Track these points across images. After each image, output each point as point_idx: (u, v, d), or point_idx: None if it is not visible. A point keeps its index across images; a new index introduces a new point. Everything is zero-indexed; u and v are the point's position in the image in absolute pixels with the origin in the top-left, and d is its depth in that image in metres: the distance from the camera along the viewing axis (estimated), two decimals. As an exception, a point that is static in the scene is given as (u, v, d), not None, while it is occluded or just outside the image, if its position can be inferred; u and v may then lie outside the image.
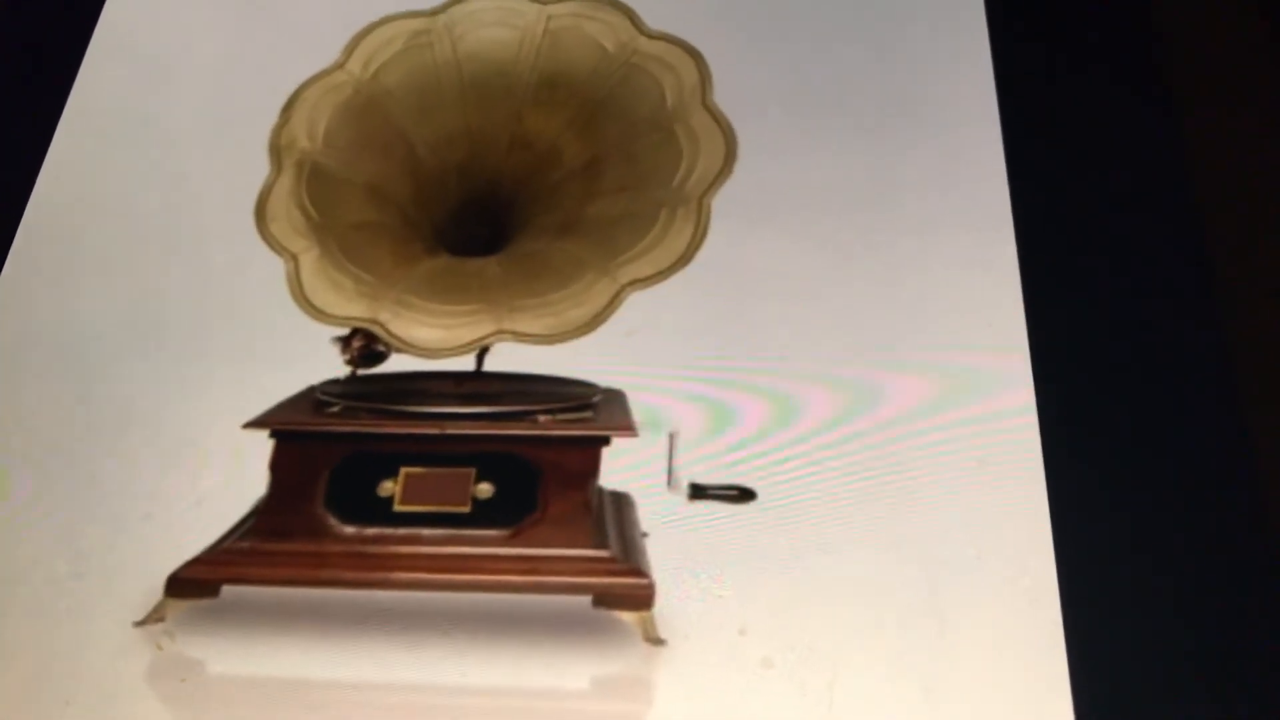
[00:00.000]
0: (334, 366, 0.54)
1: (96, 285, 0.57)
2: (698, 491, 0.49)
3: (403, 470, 0.50)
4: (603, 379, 0.53)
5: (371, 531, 0.49)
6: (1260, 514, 0.48)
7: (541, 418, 0.51)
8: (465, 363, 0.54)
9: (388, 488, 0.50)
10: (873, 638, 0.46)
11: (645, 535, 0.49)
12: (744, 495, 0.49)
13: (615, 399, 0.52)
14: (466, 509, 0.49)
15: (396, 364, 0.54)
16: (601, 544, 0.48)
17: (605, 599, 0.47)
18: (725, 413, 0.51)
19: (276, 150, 0.59)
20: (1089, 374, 0.52)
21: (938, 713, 0.44)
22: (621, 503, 0.50)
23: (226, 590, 0.49)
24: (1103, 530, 0.48)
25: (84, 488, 0.52)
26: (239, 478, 0.51)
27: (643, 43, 0.60)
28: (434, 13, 0.63)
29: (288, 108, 0.61)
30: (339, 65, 0.61)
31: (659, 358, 0.53)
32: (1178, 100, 0.59)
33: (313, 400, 0.53)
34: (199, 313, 0.56)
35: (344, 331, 0.54)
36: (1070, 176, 0.57)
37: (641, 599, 0.47)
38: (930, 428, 0.50)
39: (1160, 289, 0.54)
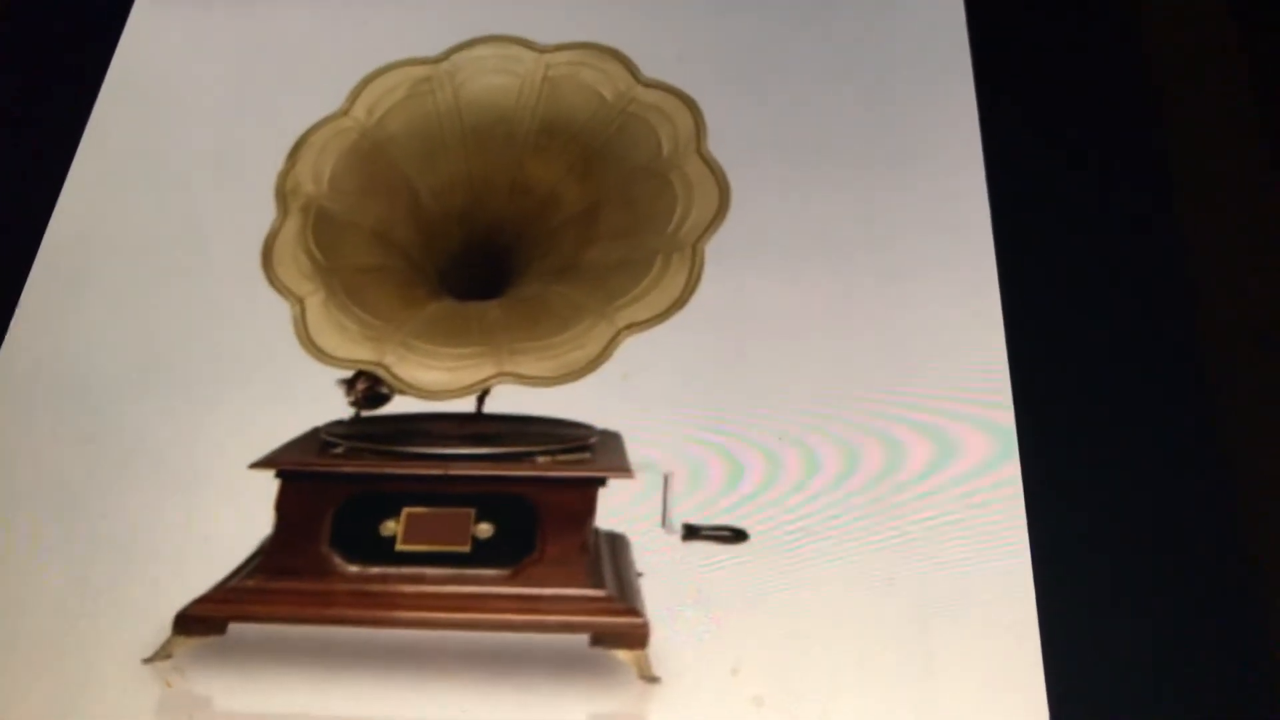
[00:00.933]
0: (339, 408, 0.55)
1: (106, 327, 0.59)
2: (691, 532, 0.51)
3: (405, 510, 0.51)
4: (600, 421, 0.54)
5: (375, 570, 0.51)
6: (1240, 553, 0.50)
7: (540, 459, 0.52)
8: (467, 404, 0.55)
9: (390, 527, 0.51)
10: (862, 676, 0.47)
11: (640, 575, 0.50)
12: (736, 536, 0.50)
13: (612, 440, 0.53)
14: (467, 549, 0.51)
15: (400, 405, 0.55)
16: (598, 584, 0.49)
17: (602, 638, 0.49)
18: (719, 456, 0.53)
19: (283, 195, 0.61)
20: (1071, 418, 0.53)
21: (924, 749, 0.46)
22: (617, 543, 0.51)
23: (233, 627, 0.50)
24: (1082, 571, 0.49)
25: (93, 526, 0.53)
26: (245, 517, 0.52)
27: (640, 91, 0.62)
28: (436, 60, 0.64)
29: (294, 153, 0.62)
30: (344, 111, 0.63)
31: (655, 400, 0.55)
32: (1166, 145, 0.61)
33: (318, 441, 0.54)
34: (207, 354, 0.58)
35: (349, 374, 0.56)
36: (1054, 221, 0.59)
37: (637, 638, 0.48)
38: (918, 468, 0.52)
39: (1144, 333, 0.55)
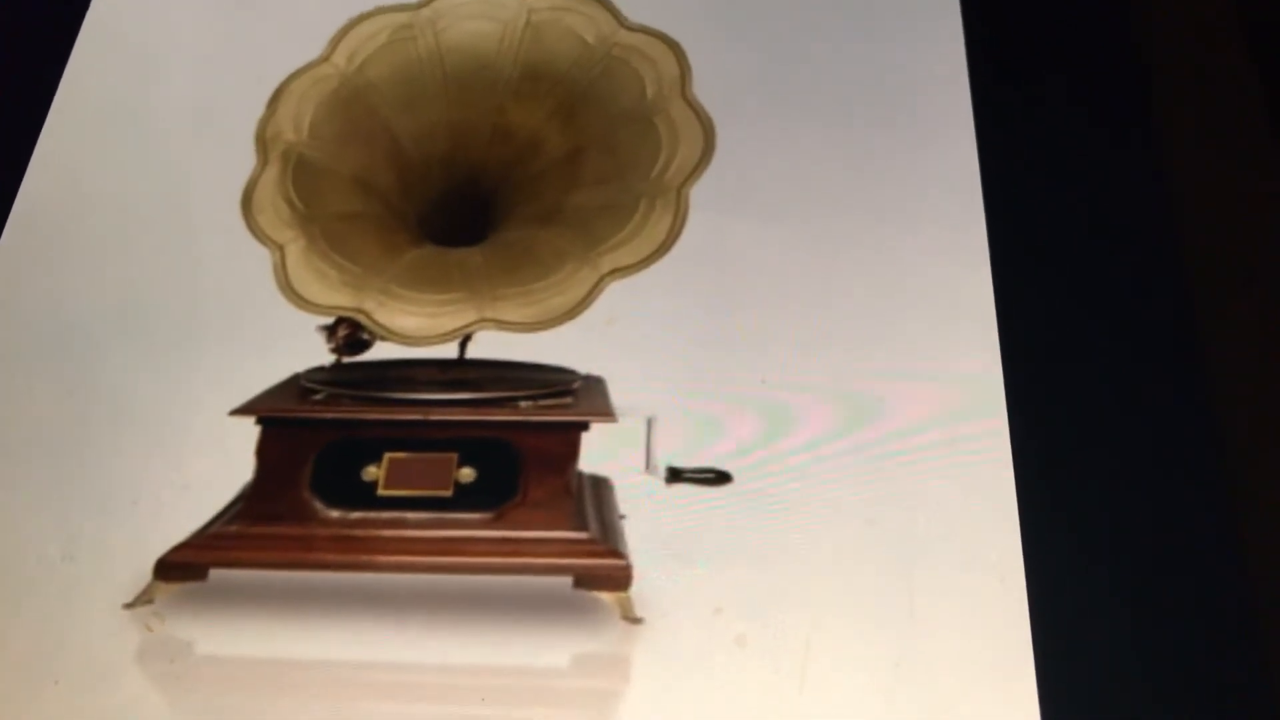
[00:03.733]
0: (319, 354, 0.55)
1: (85, 276, 0.58)
2: (675, 475, 0.50)
3: (386, 455, 0.51)
4: (583, 366, 0.54)
5: (356, 515, 0.50)
6: (1223, 494, 0.49)
7: (523, 404, 0.52)
8: (448, 350, 0.55)
9: (372, 473, 0.51)
10: (844, 615, 0.47)
11: (623, 517, 0.50)
12: (720, 478, 0.50)
13: (595, 385, 0.53)
14: (449, 493, 0.50)
15: (381, 352, 0.55)
16: (581, 526, 0.49)
17: (585, 580, 0.48)
18: (703, 401, 0.52)
19: (263, 142, 0.60)
20: (1056, 360, 0.53)
21: (907, 686, 0.46)
22: (600, 486, 0.51)
23: (214, 573, 0.50)
24: (1066, 509, 0.49)
25: (74, 474, 0.53)
26: (226, 464, 0.52)
27: (623, 35, 0.61)
28: (417, 6, 0.63)
29: (274, 100, 0.61)
30: (324, 58, 0.62)
31: (639, 345, 0.54)
32: (1152, 97, 0.60)
33: (298, 388, 0.54)
34: (186, 302, 0.57)
35: (329, 320, 0.55)
36: (1041, 170, 0.58)
37: (620, 579, 0.48)
38: (901, 413, 0.51)
39: (1133, 280, 0.55)
